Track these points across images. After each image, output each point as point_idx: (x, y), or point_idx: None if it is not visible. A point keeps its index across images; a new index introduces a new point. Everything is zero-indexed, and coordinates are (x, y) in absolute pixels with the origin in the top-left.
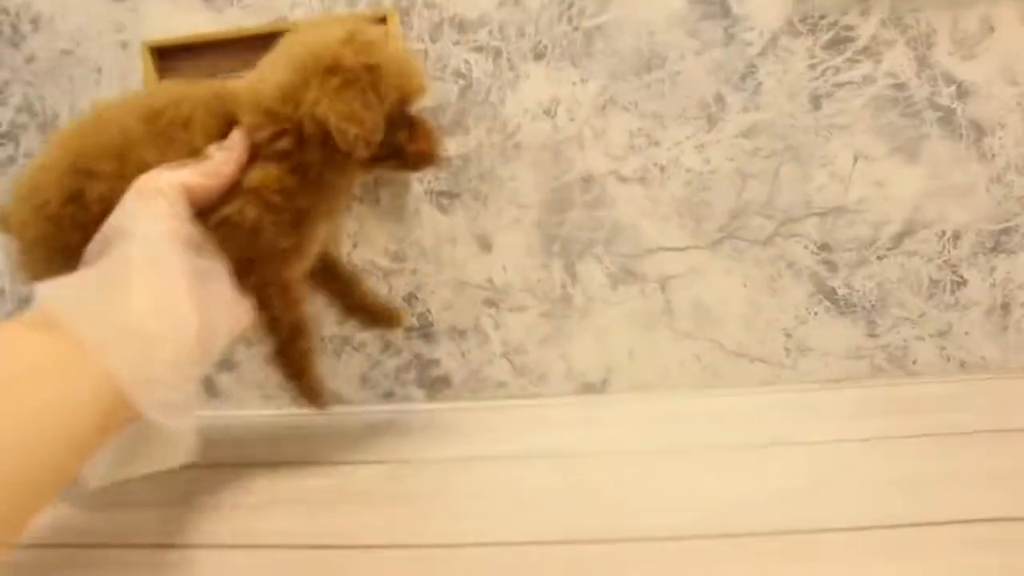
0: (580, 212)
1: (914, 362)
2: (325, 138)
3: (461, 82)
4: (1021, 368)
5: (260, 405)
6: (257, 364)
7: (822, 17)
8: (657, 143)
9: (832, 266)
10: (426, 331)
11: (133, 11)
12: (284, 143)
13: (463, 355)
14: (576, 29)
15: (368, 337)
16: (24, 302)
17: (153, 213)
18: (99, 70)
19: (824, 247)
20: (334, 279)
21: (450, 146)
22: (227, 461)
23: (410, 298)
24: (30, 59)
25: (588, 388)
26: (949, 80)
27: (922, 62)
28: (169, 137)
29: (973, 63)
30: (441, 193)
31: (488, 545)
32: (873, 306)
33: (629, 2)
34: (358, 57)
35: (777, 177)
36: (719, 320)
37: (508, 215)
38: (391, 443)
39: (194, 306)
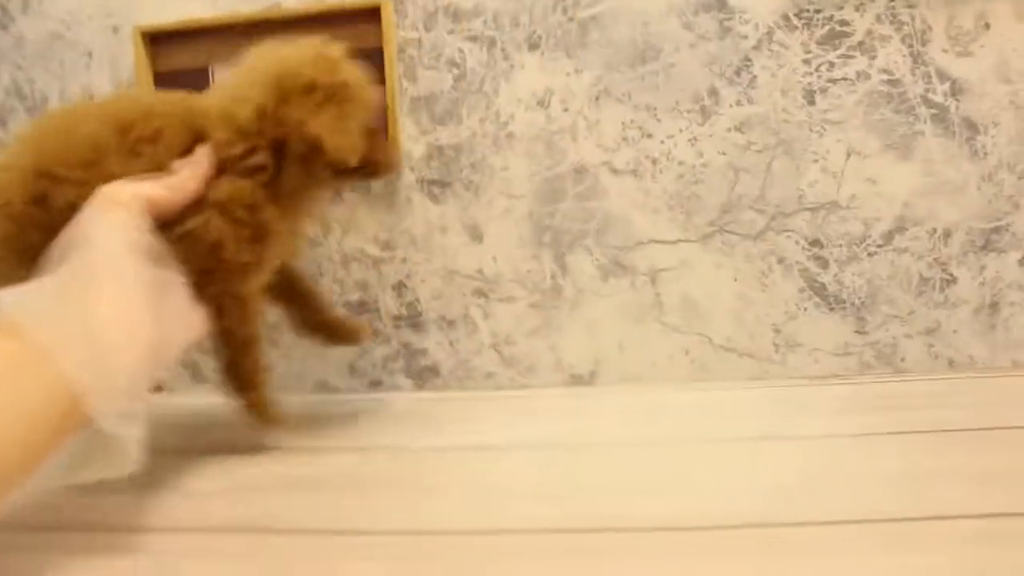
0: (572, 203)
1: (902, 359)
2: (307, 154)
3: (455, 71)
4: (1009, 367)
5: None
6: None
7: (818, 11)
8: (650, 135)
9: (823, 262)
10: (415, 320)
11: None
12: (258, 158)
13: (451, 345)
14: (571, 19)
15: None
16: None
17: (114, 223)
18: (89, 54)
19: (815, 243)
20: (294, 295)
21: (443, 135)
22: (211, 447)
23: (399, 287)
24: (19, 42)
25: (577, 380)
26: (943, 77)
27: (917, 59)
28: (136, 152)
29: (968, 60)
30: (433, 182)
31: (473, 533)
32: (863, 303)
33: None
34: (332, 75)
35: (769, 172)
36: (709, 314)
37: (499, 205)
38: (374, 430)
39: (151, 317)
